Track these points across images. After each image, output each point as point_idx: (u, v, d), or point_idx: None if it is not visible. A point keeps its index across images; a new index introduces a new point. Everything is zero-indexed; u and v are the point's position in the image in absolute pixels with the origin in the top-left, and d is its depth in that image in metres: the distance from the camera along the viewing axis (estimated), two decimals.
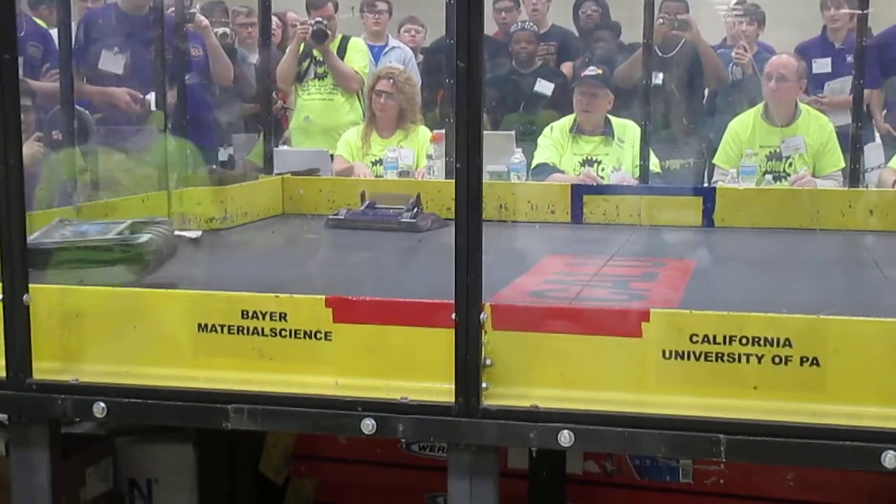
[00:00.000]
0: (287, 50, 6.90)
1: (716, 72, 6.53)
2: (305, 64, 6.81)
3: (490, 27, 6.88)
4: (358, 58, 6.81)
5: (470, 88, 2.25)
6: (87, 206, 3.76)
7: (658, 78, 6.28)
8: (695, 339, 2.25)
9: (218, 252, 3.89)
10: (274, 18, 7.16)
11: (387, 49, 7.04)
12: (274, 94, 6.51)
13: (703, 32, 6.63)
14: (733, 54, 6.49)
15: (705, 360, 2.25)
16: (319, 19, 6.65)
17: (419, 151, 5.69)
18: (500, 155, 5.22)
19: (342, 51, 6.83)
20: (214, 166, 5.46)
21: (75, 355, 2.54)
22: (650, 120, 5.13)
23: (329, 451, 3.52)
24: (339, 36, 6.90)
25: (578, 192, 4.60)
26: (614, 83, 5.88)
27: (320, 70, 6.79)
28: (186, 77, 4.92)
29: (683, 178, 6.01)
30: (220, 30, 6.65)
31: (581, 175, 5.38)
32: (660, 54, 6.40)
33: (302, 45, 6.74)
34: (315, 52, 6.75)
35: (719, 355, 2.24)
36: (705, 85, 6.72)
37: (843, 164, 5.32)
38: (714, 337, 2.24)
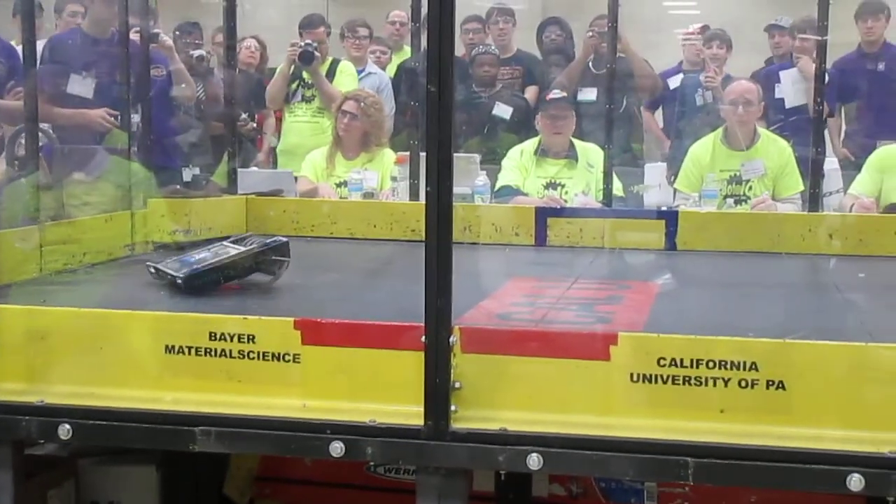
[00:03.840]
0: (277, 71, 6.93)
1: (649, 82, 6.61)
2: (294, 86, 6.84)
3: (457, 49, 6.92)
4: (347, 81, 6.82)
5: (441, 112, 2.26)
6: (50, 225, 3.73)
7: (591, 94, 6.38)
8: (662, 362, 2.27)
9: None
10: (252, 41, 7.20)
11: (363, 75, 7.06)
12: (244, 115, 6.52)
13: (665, 57, 6.71)
14: (703, 78, 6.56)
15: (672, 383, 2.27)
16: (309, 41, 6.68)
17: (384, 173, 5.69)
18: (464, 177, 5.24)
19: (331, 73, 6.86)
20: (178, 186, 5.45)
21: (41, 376, 2.53)
22: (612, 143, 5.17)
23: (294, 473, 3.50)
24: (330, 59, 6.93)
25: (542, 215, 4.63)
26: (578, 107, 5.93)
27: (308, 93, 6.82)
28: (148, 95, 4.89)
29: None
30: (196, 52, 6.65)
31: (545, 198, 5.40)
32: (594, 71, 6.49)
33: (292, 67, 6.76)
34: (304, 75, 6.77)
35: (686, 378, 2.26)
36: (639, 95, 6.82)
37: (801, 188, 5.39)
38: (681, 360, 2.26)
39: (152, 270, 3.43)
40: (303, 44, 6.67)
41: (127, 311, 2.62)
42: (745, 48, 7.46)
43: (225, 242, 3.54)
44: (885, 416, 2.20)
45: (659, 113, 7.46)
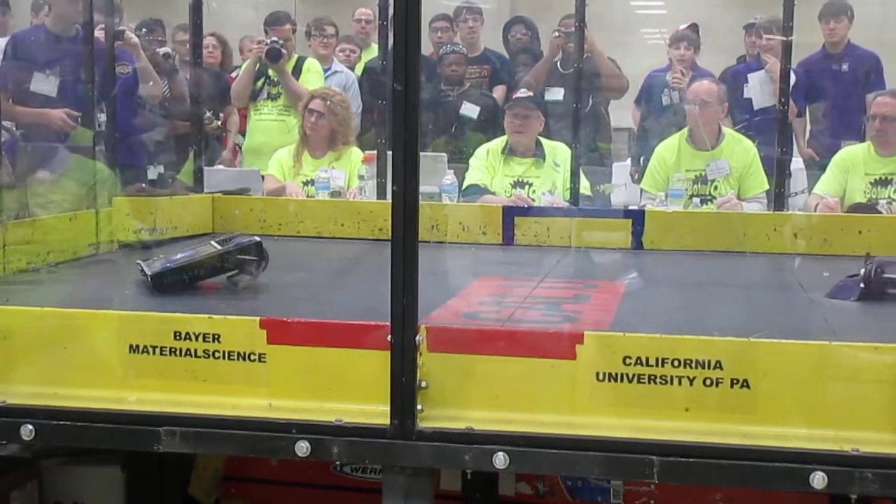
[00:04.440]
0: (243, 68, 6.90)
1: (616, 81, 6.65)
2: (260, 83, 6.80)
3: (425, 47, 6.92)
4: (313, 79, 6.78)
5: (407, 111, 2.26)
6: (13, 224, 3.69)
7: (559, 94, 6.41)
8: (628, 361, 2.28)
9: None
10: (212, 39, 7.15)
11: (329, 73, 7.04)
12: (209, 114, 6.49)
13: (632, 56, 6.73)
14: (670, 78, 6.60)
15: (638, 382, 2.27)
16: (276, 39, 6.64)
17: (351, 172, 5.69)
18: (431, 176, 5.24)
19: (297, 71, 6.82)
20: (143, 185, 5.42)
21: (2, 376, 2.50)
22: (580, 142, 5.18)
23: (260, 473, 3.48)
24: (296, 56, 6.90)
25: (510, 214, 4.63)
26: (545, 107, 5.94)
27: (274, 90, 6.79)
28: (113, 93, 4.86)
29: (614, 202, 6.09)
30: (162, 49, 6.60)
31: (512, 197, 5.41)
32: (561, 70, 6.51)
33: (257, 64, 6.73)
34: (270, 72, 6.74)
35: (652, 377, 2.27)
36: (606, 94, 6.86)
37: (766, 187, 5.43)
38: (647, 359, 2.27)
39: (139, 268, 3.43)
40: (269, 41, 6.64)
41: (91, 310, 2.60)
42: (712, 48, 7.50)
43: (212, 241, 3.54)
44: (848, 415, 2.22)
45: None
